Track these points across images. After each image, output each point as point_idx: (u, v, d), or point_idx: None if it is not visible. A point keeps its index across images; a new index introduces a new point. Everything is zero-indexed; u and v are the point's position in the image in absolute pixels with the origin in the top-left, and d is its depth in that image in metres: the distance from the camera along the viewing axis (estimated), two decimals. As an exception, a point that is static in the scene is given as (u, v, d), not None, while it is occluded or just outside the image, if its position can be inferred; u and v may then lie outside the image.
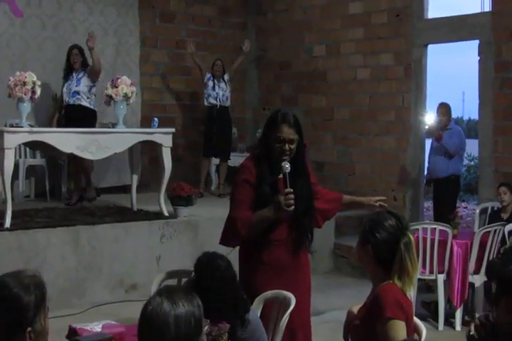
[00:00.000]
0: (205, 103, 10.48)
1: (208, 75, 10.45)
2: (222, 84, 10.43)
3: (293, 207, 3.99)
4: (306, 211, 4.22)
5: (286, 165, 4.05)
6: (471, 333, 3.25)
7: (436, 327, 6.91)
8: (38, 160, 9.79)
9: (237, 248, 4.38)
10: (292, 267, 4.25)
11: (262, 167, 4.17)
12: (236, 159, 10.94)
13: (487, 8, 9.17)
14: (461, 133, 9.14)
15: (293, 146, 4.14)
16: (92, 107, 8.94)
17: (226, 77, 10.54)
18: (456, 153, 8.95)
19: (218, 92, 10.35)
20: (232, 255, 4.23)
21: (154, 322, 2.30)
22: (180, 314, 2.30)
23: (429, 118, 8.89)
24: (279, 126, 4.14)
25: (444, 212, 7.87)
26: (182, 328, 2.29)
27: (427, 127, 8.92)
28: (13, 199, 7.65)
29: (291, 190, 3.98)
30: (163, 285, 4.55)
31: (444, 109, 8.97)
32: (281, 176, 4.11)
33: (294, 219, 4.18)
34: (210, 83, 10.39)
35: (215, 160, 10.98)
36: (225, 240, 4.30)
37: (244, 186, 4.18)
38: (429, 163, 9.24)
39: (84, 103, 8.87)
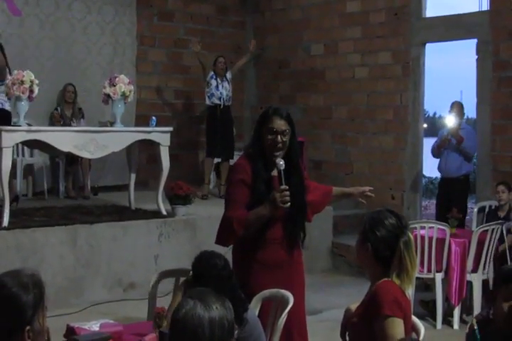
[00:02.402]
0: (207, 102, 10.22)
1: (211, 73, 10.19)
2: (225, 84, 10.22)
3: (289, 203, 3.98)
4: (300, 208, 4.21)
5: (281, 163, 4.04)
6: (475, 328, 3.29)
7: (435, 326, 6.92)
8: (36, 159, 9.80)
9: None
10: (286, 265, 4.25)
11: (257, 164, 4.17)
12: (234, 158, 10.94)
13: (485, 7, 9.18)
14: (474, 132, 9.14)
15: (285, 138, 4.14)
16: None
17: (228, 75, 10.34)
18: (474, 154, 8.99)
19: (222, 92, 10.13)
20: (230, 254, 4.23)
21: (188, 326, 2.26)
22: (215, 317, 2.27)
23: (450, 119, 8.80)
24: (270, 118, 4.17)
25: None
26: (216, 331, 2.26)
27: (449, 128, 8.83)
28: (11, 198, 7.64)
29: (287, 187, 3.97)
30: (161, 284, 4.56)
31: (458, 108, 8.92)
32: (275, 173, 4.11)
33: (288, 217, 4.18)
34: (214, 82, 10.13)
35: (215, 159, 10.97)
36: (221, 240, 4.28)
37: (239, 185, 4.17)
38: (439, 160, 9.14)
39: None
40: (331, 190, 4.67)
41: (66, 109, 9.81)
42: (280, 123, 4.14)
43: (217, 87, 10.15)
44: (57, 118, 9.50)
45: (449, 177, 8.99)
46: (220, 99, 10.15)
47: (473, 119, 13.47)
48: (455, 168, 8.89)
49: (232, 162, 10.59)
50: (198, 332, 2.25)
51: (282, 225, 4.20)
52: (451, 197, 8.87)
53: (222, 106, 10.18)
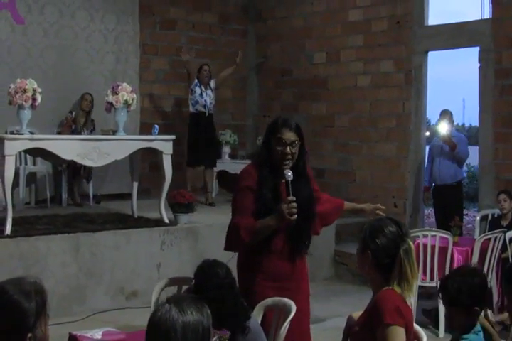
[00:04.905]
0: (191, 109, 10.24)
1: (195, 81, 10.22)
2: (209, 92, 10.26)
3: (296, 215, 3.96)
4: (307, 219, 4.19)
5: (289, 173, 4.01)
6: None
7: (437, 335, 6.91)
8: (39, 167, 9.80)
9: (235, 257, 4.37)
10: (290, 276, 4.23)
11: (264, 172, 4.16)
12: (237, 166, 10.96)
13: (487, 15, 9.19)
14: (466, 139, 9.23)
15: (294, 150, 4.13)
16: None
17: (212, 84, 10.37)
18: (467, 158, 9.12)
19: (206, 100, 10.16)
20: (232, 262, 4.23)
21: (161, 329, 2.29)
22: (188, 321, 2.29)
23: (443, 126, 8.89)
24: (280, 128, 4.14)
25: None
26: (189, 336, 2.28)
27: (441, 136, 8.93)
28: (13, 206, 7.65)
29: (294, 199, 3.94)
30: (163, 292, 4.55)
31: (448, 116, 9.02)
32: (283, 182, 4.09)
33: (294, 228, 4.16)
34: (198, 90, 10.17)
35: (215, 168, 11.00)
36: (229, 246, 4.27)
37: (245, 192, 4.16)
38: (431, 169, 9.21)
39: None
40: (343, 204, 4.67)
41: (80, 117, 9.83)
42: (289, 135, 4.12)
43: (201, 94, 10.17)
44: (69, 123, 9.37)
45: (443, 185, 9.04)
46: (204, 106, 10.17)
47: (476, 127, 13.52)
48: (450, 175, 8.98)
49: (233, 170, 10.67)
50: (171, 336, 2.27)
51: (287, 236, 4.19)
52: (446, 204, 8.92)
53: (206, 114, 10.20)
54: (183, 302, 2.35)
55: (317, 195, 4.40)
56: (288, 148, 4.11)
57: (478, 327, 3.43)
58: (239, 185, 4.25)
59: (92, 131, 9.80)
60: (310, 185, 4.29)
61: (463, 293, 3.38)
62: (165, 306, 2.33)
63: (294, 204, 3.93)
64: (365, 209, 4.67)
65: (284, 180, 4.05)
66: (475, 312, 3.41)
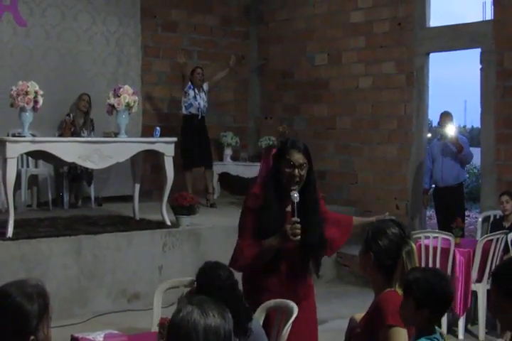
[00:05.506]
0: (184, 111, 10.33)
1: (189, 84, 10.32)
2: (203, 95, 10.35)
3: (299, 236, 3.95)
4: (313, 242, 4.15)
5: (295, 195, 4.00)
6: None
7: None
8: (41, 170, 9.80)
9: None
10: (296, 297, 4.17)
11: (269, 193, 4.13)
12: (239, 168, 10.99)
13: (489, 16, 9.20)
14: (467, 141, 9.28)
15: (303, 172, 4.11)
16: None
17: (205, 87, 10.47)
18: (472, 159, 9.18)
19: (200, 102, 10.25)
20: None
21: (183, 330, 2.26)
22: (210, 324, 2.27)
23: (451, 128, 8.90)
24: (288, 150, 4.13)
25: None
26: (211, 338, 2.25)
27: (449, 137, 8.93)
28: (15, 208, 7.66)
29: (298, 220, 3.94)
30: (165, 294, 4.55)
31: (449, 118, 9.03)
32: (289, 209, 4.06)
33: (300, 250, 4.14)
34: (191, 92, 10.26)
35: (217, 170, 11.01)
36: (233, 266, 4.25)
37: (250, 214, 4.15)
38: (433, 170, 9.21)
39: None
40: (352, 220, 4.64)
41: (78, 118, 9.83)
42: (298, 157, 4.10)
43: (195, 97, 10.26)
44: (69, 125, 9.38)
45: (445, 186, 9.04)
46: (198, 109, 10.26)
47: (477, 129, 13.53)
48: (453, 177, 8.99)
49: (234, 172, 10.71)
50: (192, 337, 2.25)
51: (292, 258, 4.17)
52: (449, 206, 8.92)
53: (199, 117, 10.28)
54: (205, 304, 2.33)
55: (324, 216, 4.38)
56: (296, 170, 4.09)
57: (436, 335, 3.20)
58: (244, 206, 4.26)
59: (91, 131, 9.81)
60: (318, 210, 4.27)
61: (417, 284, 3.16)
62: (187, 308, 2.31)
63: (298, 226, 3.93)
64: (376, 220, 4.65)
65: (290, 205, 4.04)
66: (421, 314, 3.00)
